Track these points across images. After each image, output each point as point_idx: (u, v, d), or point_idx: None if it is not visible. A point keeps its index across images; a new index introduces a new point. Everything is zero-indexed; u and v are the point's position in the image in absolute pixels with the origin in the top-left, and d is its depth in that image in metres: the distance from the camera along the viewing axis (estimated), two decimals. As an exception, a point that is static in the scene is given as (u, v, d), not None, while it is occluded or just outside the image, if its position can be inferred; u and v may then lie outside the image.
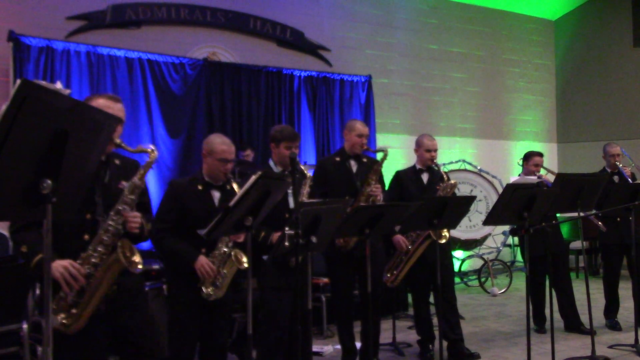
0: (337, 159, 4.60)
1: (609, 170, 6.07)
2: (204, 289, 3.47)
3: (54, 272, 2.60)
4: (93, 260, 2.75)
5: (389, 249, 4.99)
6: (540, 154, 5.92)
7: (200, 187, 3.61)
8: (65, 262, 2.66)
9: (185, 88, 7.21)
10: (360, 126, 4.58)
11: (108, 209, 2.83)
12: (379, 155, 4.54)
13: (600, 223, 5.81)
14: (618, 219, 5.78)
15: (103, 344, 2.86)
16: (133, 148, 2.98)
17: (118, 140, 2.86)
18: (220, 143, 3.61)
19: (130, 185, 2.86)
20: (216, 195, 3.63)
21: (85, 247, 2.77)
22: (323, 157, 7.54)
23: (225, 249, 3.54)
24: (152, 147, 2.99)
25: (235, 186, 3.61)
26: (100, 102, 2.83)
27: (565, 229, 7.99)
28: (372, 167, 4.50)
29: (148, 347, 2.97)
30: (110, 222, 2.79)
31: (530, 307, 4.50)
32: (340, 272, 4.54)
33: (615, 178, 5.97)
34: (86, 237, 2.80)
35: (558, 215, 6.09)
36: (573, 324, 5.74)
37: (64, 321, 2.68)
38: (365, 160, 4.60)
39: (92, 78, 6.63)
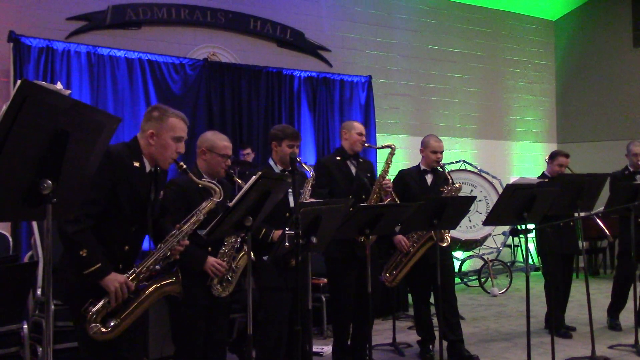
0: (338, 158, 4.62)
1: (631, 169, 5.94)
2: (214, 287, 3.49)
3: (110, 285, 2.65)
4: (142, 276, 2.82)
5: (388, 249, 4.98)
6: (567, 155, 5.77)
7: (201, 185, 3.61)
8: (122, 278, 2.70)
9: (186, 88, 7.21)
10: (358, 125, 4.68)
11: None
12: (386, 151, 4.67)
13: (608, 232, 5.75)
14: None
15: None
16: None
17: (184, 165, 2.98)
18: (221, 139, 3.65)
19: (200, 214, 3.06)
20: None
21: (125, 256, 2.82)
22: (323, 156, 7.53)
23: (234, 244, 3.57)
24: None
25: (239, 181, 3.62)
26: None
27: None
28: (386, 160, 4.64)
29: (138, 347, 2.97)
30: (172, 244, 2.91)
31: (531, 308, 4.49)
32: (341, 273, 4.52)
33: (639, 177, 5.84)
34: (126, 248, 2.84)
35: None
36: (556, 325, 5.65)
37: (104, 329, 2.69)
38: (361, 160, 4.66)
39: (93, 78, 6.63)
